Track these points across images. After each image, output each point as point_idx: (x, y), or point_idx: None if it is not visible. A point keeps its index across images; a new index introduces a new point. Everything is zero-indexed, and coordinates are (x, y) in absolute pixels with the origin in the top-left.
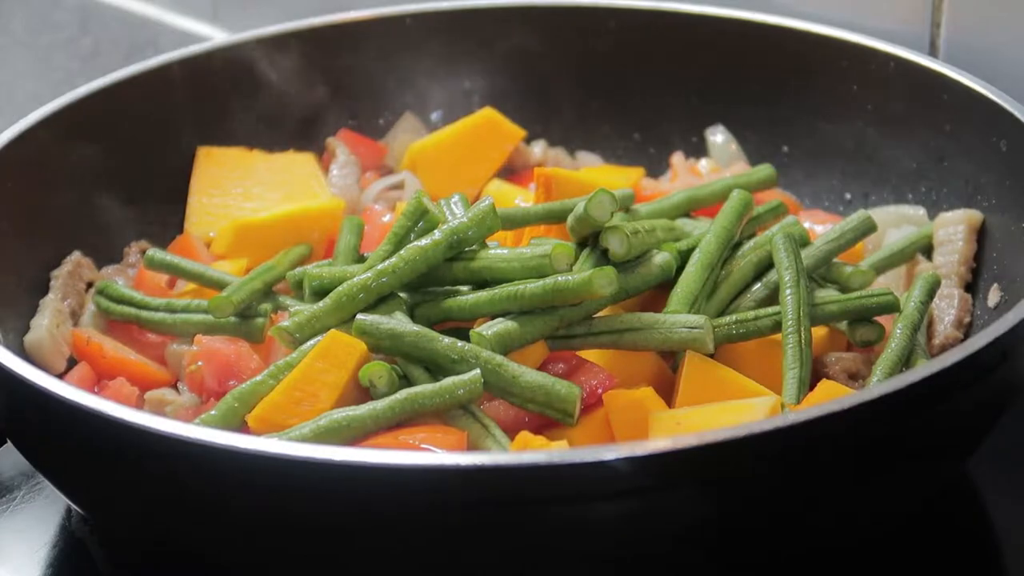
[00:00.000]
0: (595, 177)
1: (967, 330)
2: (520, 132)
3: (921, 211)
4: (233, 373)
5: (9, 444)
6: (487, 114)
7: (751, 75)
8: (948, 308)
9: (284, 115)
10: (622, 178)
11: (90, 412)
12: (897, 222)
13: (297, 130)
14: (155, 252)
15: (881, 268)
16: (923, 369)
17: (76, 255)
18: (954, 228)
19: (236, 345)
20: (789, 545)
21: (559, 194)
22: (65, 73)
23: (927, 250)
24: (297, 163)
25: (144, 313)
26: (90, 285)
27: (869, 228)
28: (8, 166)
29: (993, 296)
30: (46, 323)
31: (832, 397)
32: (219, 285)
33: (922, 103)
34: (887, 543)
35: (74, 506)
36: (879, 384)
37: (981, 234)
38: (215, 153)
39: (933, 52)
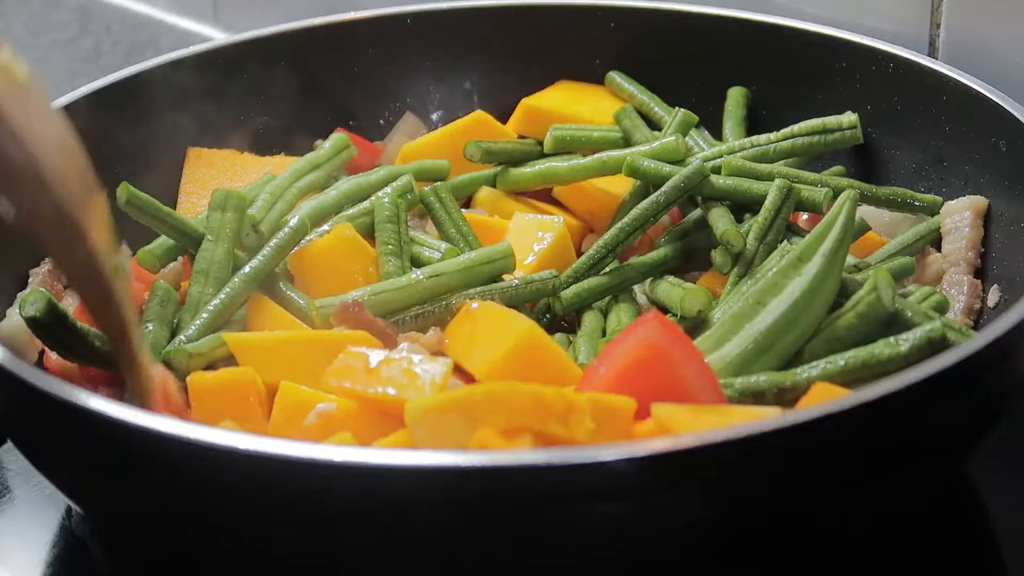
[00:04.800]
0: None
1: (978, 316)
2: (511, 133)
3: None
4: None
5: (9, 444)
6: (478, 116)
7: (751, 75)
8: (958, 295)
9: (284, 116)
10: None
11: (91, 412)
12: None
13: (298, 131)
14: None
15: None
16: (923, 369)
17: None
18: (960, 215)
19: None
20: (788, 545)
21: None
22: (65, 73)
23: (936, 242)
24: (287, 166)
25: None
26: (67, 287)
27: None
28: None
29: (993, 296)
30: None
31: (831, 398)
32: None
33: (922, 103)
34: (887, 543)
35: (74, 506)
36: (879, 385)
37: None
38: (206, 154)
39: (933, 52)
